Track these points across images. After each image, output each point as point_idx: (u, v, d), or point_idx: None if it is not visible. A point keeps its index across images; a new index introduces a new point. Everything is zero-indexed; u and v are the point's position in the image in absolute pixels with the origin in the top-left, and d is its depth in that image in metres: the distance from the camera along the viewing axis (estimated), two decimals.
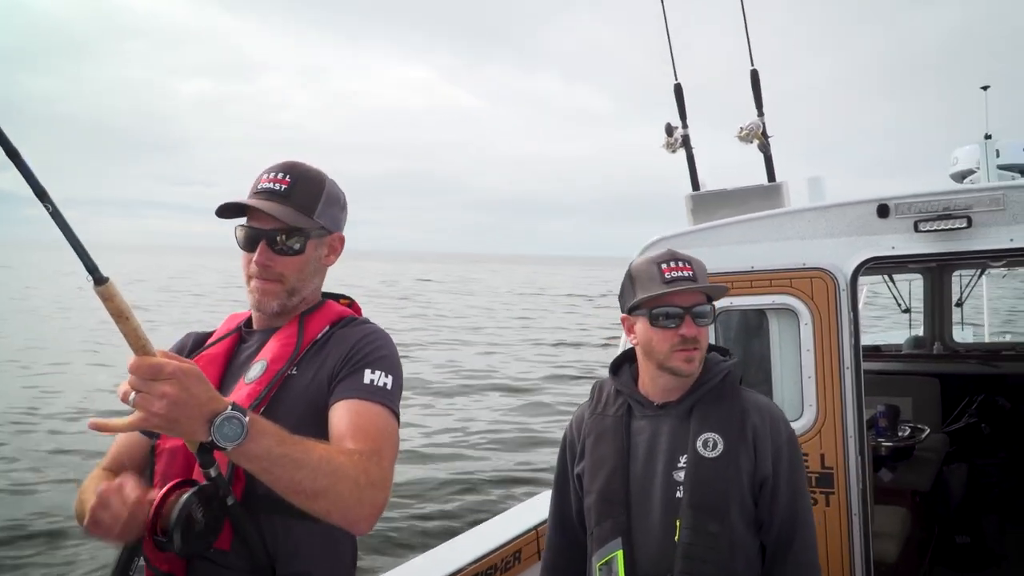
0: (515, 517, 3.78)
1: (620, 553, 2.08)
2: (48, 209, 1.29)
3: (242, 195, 1.84)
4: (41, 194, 1.28)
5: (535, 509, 3.94)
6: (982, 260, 5.24)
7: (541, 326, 33.12)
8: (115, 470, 1.81)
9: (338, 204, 1.90)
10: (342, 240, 1.93)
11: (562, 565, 2.37)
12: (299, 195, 1.80)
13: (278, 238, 1.77)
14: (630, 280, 2.23)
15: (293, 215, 1.76)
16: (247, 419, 1.34)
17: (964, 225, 3.13)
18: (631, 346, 2.29)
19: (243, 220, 1.82)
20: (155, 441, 1.75)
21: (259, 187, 1.81)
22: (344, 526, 1.55)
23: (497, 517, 3.86)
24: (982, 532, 5.27)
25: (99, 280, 1.30)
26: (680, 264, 2.14)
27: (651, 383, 2.21)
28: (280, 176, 1.81)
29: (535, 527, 3.66)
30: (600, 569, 2.12)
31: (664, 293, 2.11)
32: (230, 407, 1.34)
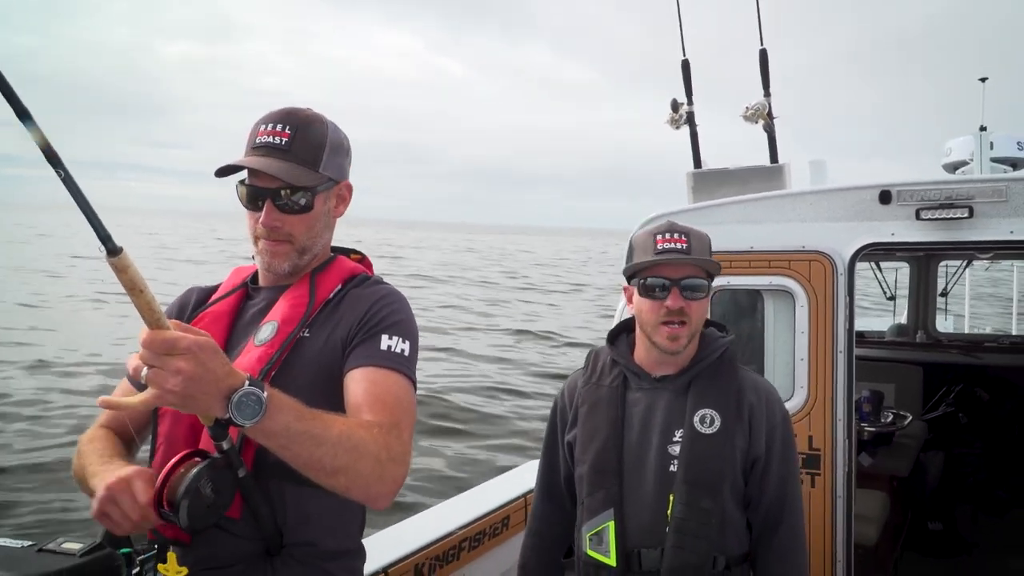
0: (504, 483, 3.80)
1: (611, 524, 2.09)
2: (60, 175, 1.21)
3: (233, 155, 1.73)
4: (53, 158, 1.20)
5: (524, 477, 3.96)
6: (980, 251, 5.28)
7: None
8: (114, 428, 1.77)
9: (342, 150, 1.78)
10: (350, 188, 1.83)
11: (547, 532, 2.38)
12: (301, 148, 1.68)
13: (283, 193, 1.67)
14: (630, 249, 2.23)
15: (297, 172, 1.66)
16: (265, 395, 1.28)
17: (966, 215, 3.14)
18: (630, 316, 2.29)
19: (244, 175, 1.71)
20: None
21: (257, 141, 1.69)
22: (364, 501, 1.53)
23: (486, 483, 3.88)
24: (954, 520, 5.36)
25: (112, 250, 1.22)
26: (675, 236, 2.12)
27: (646, 355, 2.21)
28: (279, 128, 1.68)
29: (524, 495, 3.67)
30: (590, 539, 2.12)
31: (653, 263, 2.11)
32: (247, 382, 1.28)
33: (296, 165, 1.67)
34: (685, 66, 4.00)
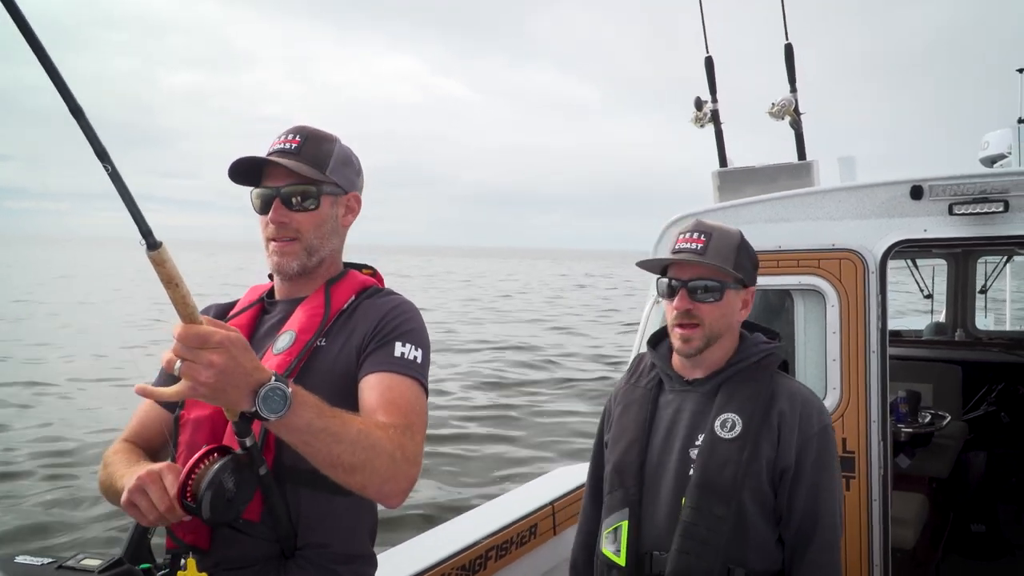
0: (531, 492, 3.77)
1: (625, 524, 2.09)
2: (107, 170, 1.27)
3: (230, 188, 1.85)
4: (101, 154, 1.27)
5: (550, 485, 3.93)
6: (1016, 246, 5.15)
7: None
8: (137, 442, 1.83)
9: (351, 165, 1.89)
10: (359, 200, 1.92)
11: (591, 529, 2.36)
12: (309, 152, 1.80)
13: (293, 198, 1.77)
14: (658, 241, 2.23)
15: (303, 168, 1.76)
16: (290, 391, 1.34)
17: (1001, 209, 3.05)
18: None
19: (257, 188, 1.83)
20: (179, 412, 1.74)
21: (271, 149, 1.82)
22: (378, 500, 1.57)
23: (513, 492, 3.86)
24: (998, 521, 5.24)
25: (152, 244, 1.29)
26: (695, 236, 2.10)
27: (678, 358, 2.19)
28: (291, 137, 1.82)
29: (551, 502, 3.64)
30: (607, 536, 2.14)
31: (663, 262, 2.12)
32: (274, 378, 1.33)
33: (303, 163, 1.77)
34: (708, 63, 3.94)
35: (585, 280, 71.46)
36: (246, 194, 1.84)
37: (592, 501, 2.38)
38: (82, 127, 1.26)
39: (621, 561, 2.07)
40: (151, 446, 1.81)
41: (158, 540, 1.79)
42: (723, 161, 3.95)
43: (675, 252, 2.10)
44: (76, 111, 1.25)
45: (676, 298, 2.08)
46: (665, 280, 2.13)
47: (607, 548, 2.12)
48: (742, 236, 2.18)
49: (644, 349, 2.37)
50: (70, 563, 1.71)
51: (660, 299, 2.18)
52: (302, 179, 1.77)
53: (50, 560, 1.73)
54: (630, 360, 2.42)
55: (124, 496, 1.44)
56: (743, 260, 2.14)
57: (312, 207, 1.79)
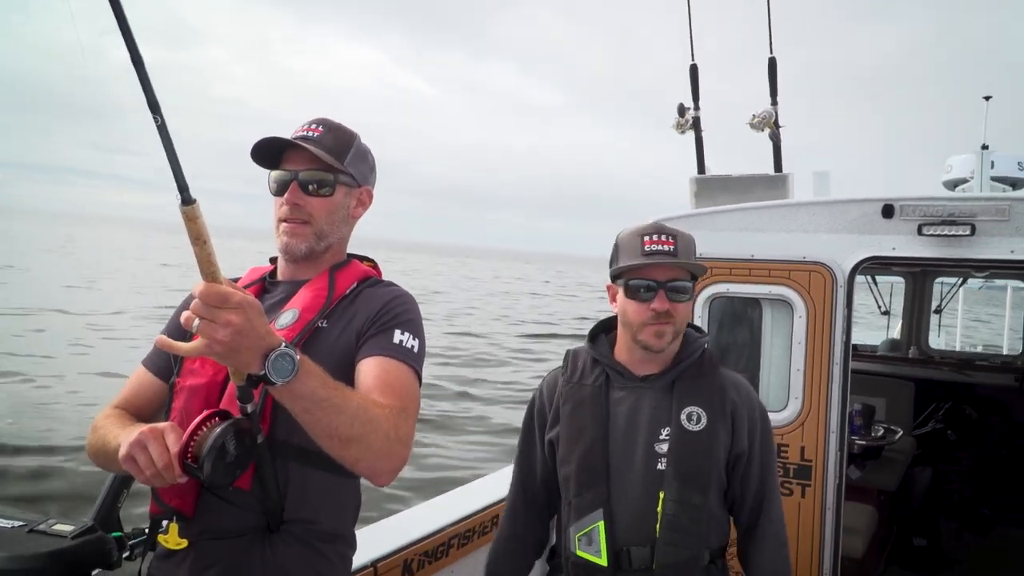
0: (493, 483, 3.79)
1: (601, 524, 2.09)
2: (156, 122, 1.29)
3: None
4: (154, 106, 1.29)
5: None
6: (980, 268, 5.30)
7: None
8: (128, 409, 1.82)
9: (366, 161, 1.94)
10: (370, 195, 1.97)
11: (520, 533, 2.36)
12: (330, 141, 1.85)
13: (310, 184, 1.82)
14: (616, 248, 2.23)
15: (323, 154, 1.80)
16: (298, 358, 1.36)
17: (967, 232, 3.15)
18: (611, 315, 2.30)
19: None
20: (174, 379, 1.74)
21: (294, 136, 1.85)
22: (369, 476, 1.58)
23: (475, 482, 3.87)
24: (939, 536, 5.38)
25: (186, 200, 1.32)
26: (663, 238, 2.13)
27: (628, 354, 2.21)
28: (313, 126, 1.86)
29: None
30: (579, 540, 2.11)
31: (641, 265, 2.11)
32: (284, 344, 1.36)
33: (323, 151, 1.81)
34: (693, 71, 4.00)
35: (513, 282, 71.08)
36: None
37: (522, 501, 2.35)
38: (140, 78, 1.28)
39: (603, 561, 2.07)
40: (141, 414, 1.81)
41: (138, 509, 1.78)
42: (701, 168, 4.01)
43: (646, 254, 2.11)
44: (137, 61, 1.28)
45: (655, 299, 2.10)
46: (641, 282, 2.13)
47: (583, 551, 2.11)
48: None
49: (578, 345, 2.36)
50: (41, 527, 1.70)
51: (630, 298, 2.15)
52: (321, 165, 1.82)
53: (21, 523, 1.71)
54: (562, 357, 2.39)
55: (123, 450, 1.44)
56: (697, 259, 2.23)
57: (327, 194, 1.84)
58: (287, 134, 1.85)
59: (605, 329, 2.34)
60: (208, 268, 1.34)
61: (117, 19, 1.26)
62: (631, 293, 2.14)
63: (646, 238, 2.13)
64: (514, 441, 2.45)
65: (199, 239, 1.34)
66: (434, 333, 22.70)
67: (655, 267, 2.11)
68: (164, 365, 1.82)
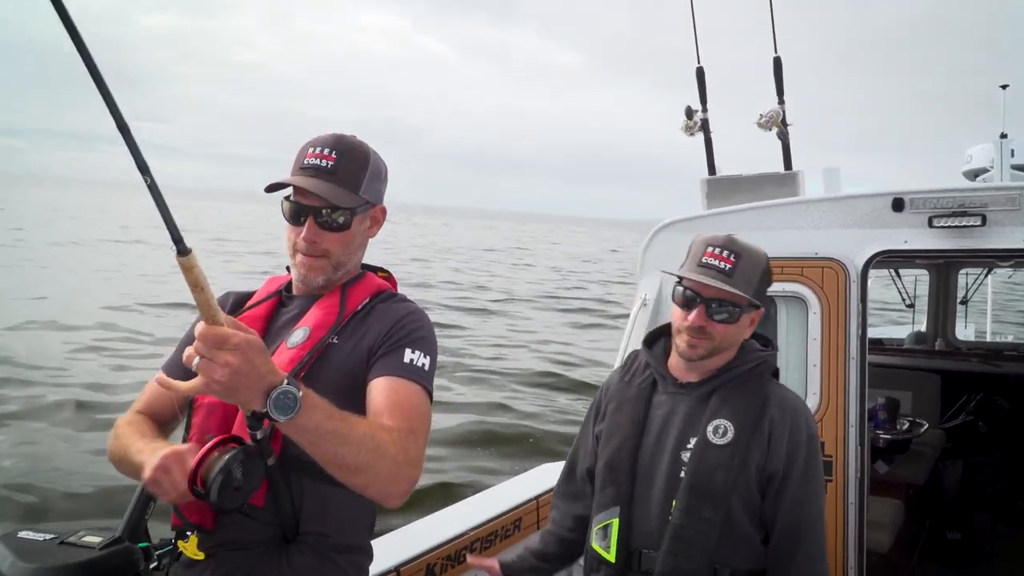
0: (516, 486, 3.84)
1: (616, 521, 2.13)
2: (147, 182, 1.34)
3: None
4: (143, 168, 1.33)
5: (536, 479, 3.99)
6: (994, 259, 5.25)
7: None
8: (148, 414, 1.90)
9: (380, 177, 1.93)
10: (384, 211, 1.98)
11: (561, 518, 2.42)
12: (345, 172, 1.82)
13: (324, 211, 1.81)
14: (688, 249, 2.22)
15: (339, 193, 1.79)
16: (300, 394, 1.39)
17: (978, 223, 3.15)
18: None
19: (289, 192, 1.85)
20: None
21: (305, 163, 1.82)
22: (379, 500, 1.62)
23: (498, 485, 3.92)
24: (973, 529, 5.31)
25: (182, 251, 1.35)
26: (724, 254, 2.10)
27: (675, 359, 2.23)
28: (326, 152, 1.82)
29: (535, 497, 3.70)
30: (597, 532, 2.18)
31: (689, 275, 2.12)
32: (286, 381, 1.39)
33: (338, 187, 1.80)
34: (700, 73, 4.03)
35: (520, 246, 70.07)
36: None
37: (570, 492, 2.41)
38: (127, 143, 1.33)
39: (611, 558, 2.11)
40: (160, 420, 1.88)
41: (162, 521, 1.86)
42: (712, 169, 4.03)
43: (701, 265, 2.10)
44: (122, 127, 1.32)
45: (693, 312, 2.09)
46: (682, 289, 2.13)
47: (597, 544, 2.16)
48: (767, 261, 2.20)
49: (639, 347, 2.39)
50: (71, 539, 1.77)
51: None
52: (337, 201, 1.80)
53: (52, 536, 1.79)
54: (622, 356, 2.45)
55: (148, 473, 1.51)
56: (763, 286, 2.17)
57: (344, 228, 1.84)
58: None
59: (665, 334, 2.33)
60: (208, 311, 1.37)
61: (100, 91, 1.31)
62: (676, 297, 2.16)
63: (709, 248, 2.12)
64: None
65: (197, 286, 1.37)
66: None
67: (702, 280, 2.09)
68: (183, 374, 1.88)
